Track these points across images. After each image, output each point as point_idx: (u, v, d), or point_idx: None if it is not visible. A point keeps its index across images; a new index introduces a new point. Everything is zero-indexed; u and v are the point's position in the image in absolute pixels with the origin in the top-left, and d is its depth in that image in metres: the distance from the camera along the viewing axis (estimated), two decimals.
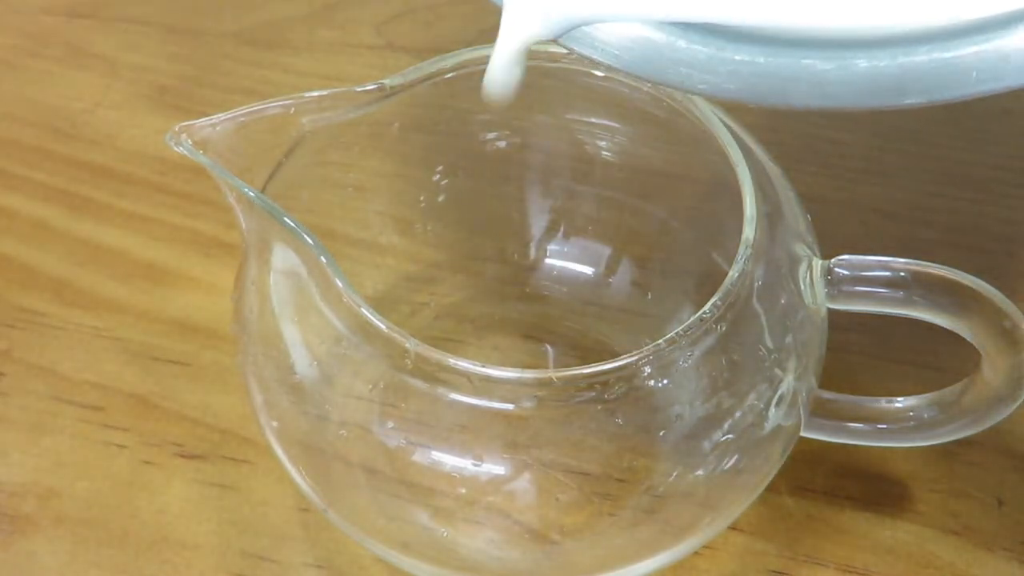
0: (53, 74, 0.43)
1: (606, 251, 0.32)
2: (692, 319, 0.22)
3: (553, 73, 0.27)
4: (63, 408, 0.32)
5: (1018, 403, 0.25)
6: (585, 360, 0.21)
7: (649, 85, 0.26)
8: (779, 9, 0.18)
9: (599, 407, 0.22)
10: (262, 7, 0.45)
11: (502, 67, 0.21)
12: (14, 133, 0.41)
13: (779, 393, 0.24)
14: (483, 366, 0.21)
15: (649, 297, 0.32)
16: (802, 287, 0.24)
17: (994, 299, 0.23)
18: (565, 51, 0.20)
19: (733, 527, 0.25)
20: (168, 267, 0.36)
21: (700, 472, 0.23)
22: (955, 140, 0.38)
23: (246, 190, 0.23)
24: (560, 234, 0.32)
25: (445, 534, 0.23)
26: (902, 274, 0.24)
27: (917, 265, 0.24)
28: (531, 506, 0.23)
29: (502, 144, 0.31)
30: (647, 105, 0.27)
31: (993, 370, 0.24)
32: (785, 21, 0.18)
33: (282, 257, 0.24)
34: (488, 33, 0.21)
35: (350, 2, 0.46)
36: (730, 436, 0.23)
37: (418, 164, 0.31)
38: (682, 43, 0.18)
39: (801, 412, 0.25)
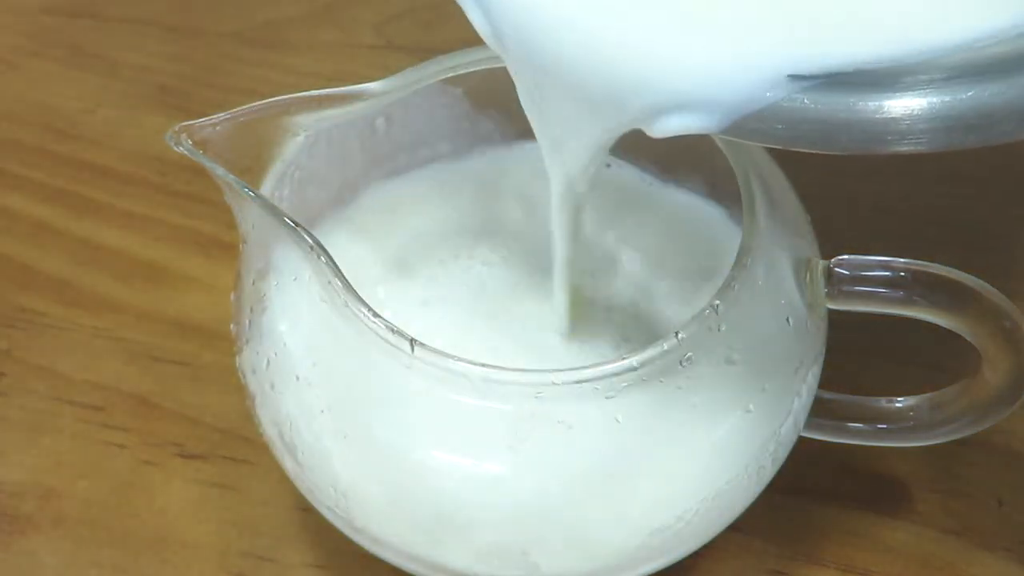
0: (53, 74, 0.43)
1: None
2: (692, 319, 0.22)
3: None
4: (63, 408, 0.32)
5: (1018, 403, 0.25)
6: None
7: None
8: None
9: (599, 407, 0.22)
10: (262, 7, 0.45)
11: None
12: (14, 133, 0.41)
13: (779, 394, 0.24)
14: (483, 366, 0.21)
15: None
16: (802, 287, 0.24)
17: (994, 299, 0.23)
18: None
19: (733, 527, 0.25)
20: (168, 267, 0.36)
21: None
22: None
23: (246, 190, 0.23)
24: None
25: (445, 534, 0.23)
26: (902, 274, 0.24)
27: (917, 265, 0.24)
28: (531, 505, 0.23)
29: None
30: None
31: (993, 370, 0.24)
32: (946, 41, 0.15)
33: (282, 257, 0.24)
34: None
35: (350, 2, 0.46)
36: (730, 436, 0.23)
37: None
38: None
39: (801, 412, 0.25)
